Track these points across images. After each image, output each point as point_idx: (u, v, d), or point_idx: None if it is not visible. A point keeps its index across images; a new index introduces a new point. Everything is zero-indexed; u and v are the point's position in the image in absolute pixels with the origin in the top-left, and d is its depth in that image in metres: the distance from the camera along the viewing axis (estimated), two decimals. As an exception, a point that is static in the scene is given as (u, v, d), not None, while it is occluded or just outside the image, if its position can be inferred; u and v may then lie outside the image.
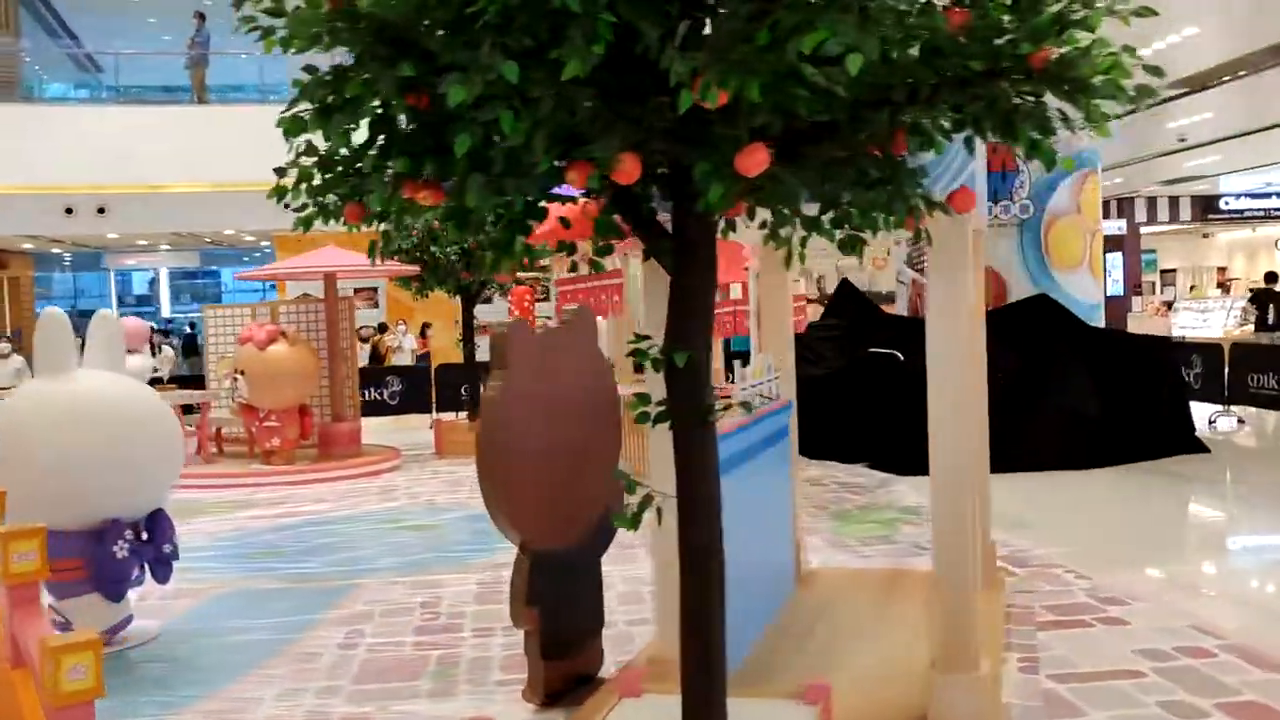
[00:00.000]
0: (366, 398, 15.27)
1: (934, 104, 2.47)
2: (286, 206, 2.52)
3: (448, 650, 5.21)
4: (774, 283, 6.01)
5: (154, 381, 11.96)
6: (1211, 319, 23.62)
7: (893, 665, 4.41)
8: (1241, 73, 9.61)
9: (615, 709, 3.48)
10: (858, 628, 5.02)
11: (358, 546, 7.81)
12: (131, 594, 5.81)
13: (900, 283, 13.60)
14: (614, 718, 3.42)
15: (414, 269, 12.58)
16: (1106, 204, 23.14)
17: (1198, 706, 4.12)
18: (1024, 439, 9.97)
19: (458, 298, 13.23)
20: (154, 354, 14.69)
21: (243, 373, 11.69)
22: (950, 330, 3.80)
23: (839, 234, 2.81)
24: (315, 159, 2.46)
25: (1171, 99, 10.91)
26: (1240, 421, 12.96)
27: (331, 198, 2.49)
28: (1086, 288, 12.47)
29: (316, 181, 2.48)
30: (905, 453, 10.08)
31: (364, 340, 19.23)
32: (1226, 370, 13.11)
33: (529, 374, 4.32)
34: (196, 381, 14.48)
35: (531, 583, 4.30)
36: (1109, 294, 23.20)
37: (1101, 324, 12.57)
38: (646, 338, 2.90)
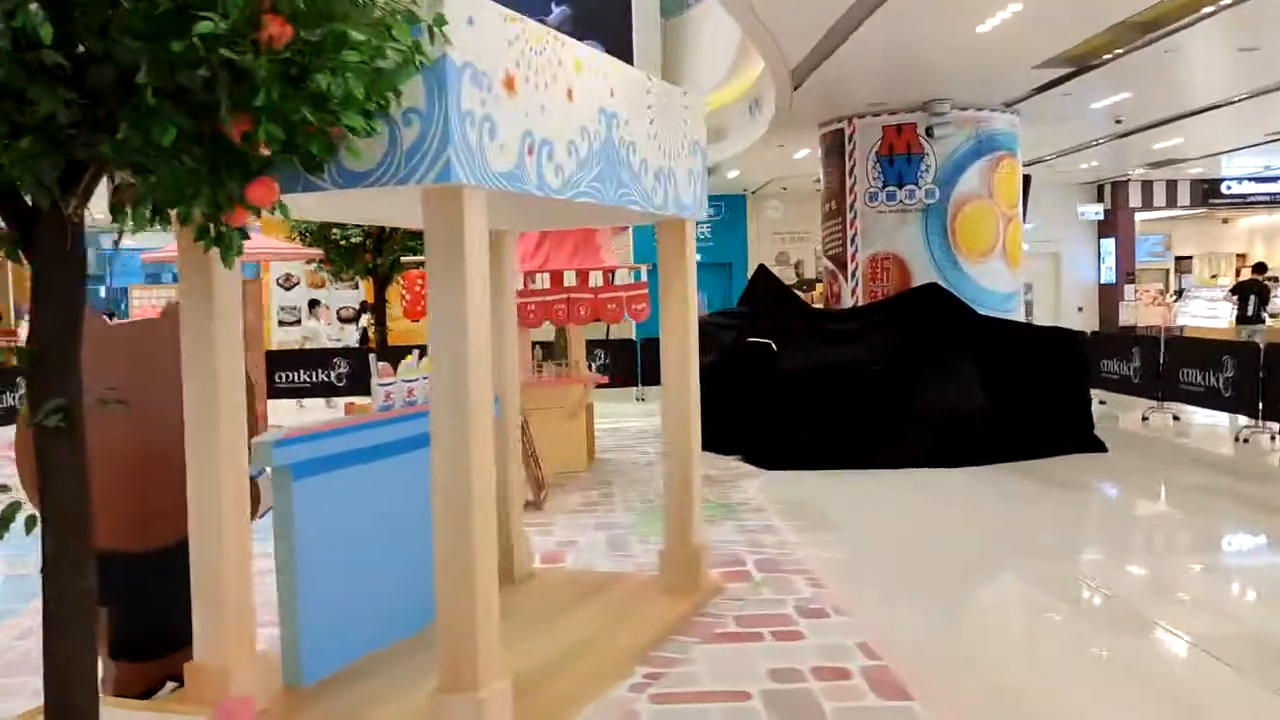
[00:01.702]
0: (311, 379, 15.14)
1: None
2: None
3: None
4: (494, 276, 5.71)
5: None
6: (1220, 308, 22.71)
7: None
8: (1117, 51, 9.03)
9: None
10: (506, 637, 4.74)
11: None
12: None
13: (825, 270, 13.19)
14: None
15: (316, 252, 12.48)
16: (1100, 189, 22.29)
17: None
18: (895, 435, 9.57)
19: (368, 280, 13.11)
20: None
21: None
22: (451, 327, 3.49)
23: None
24: None
25: (1066, 79, 10.32)
26: (1175, 418, 12.31)
27: None
28: (999, 277, 11.94)
29: None
30: (773, 446, 9.74)
31: (346, 322, 19.34)
32: (1162, 364, 12.46)
33: (91, 370, 4.10)
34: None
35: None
36: (1102, 281, 22.40)
37: (1018, 315, 12.04)
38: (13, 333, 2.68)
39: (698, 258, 20.71)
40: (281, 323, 18.96)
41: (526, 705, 3.96)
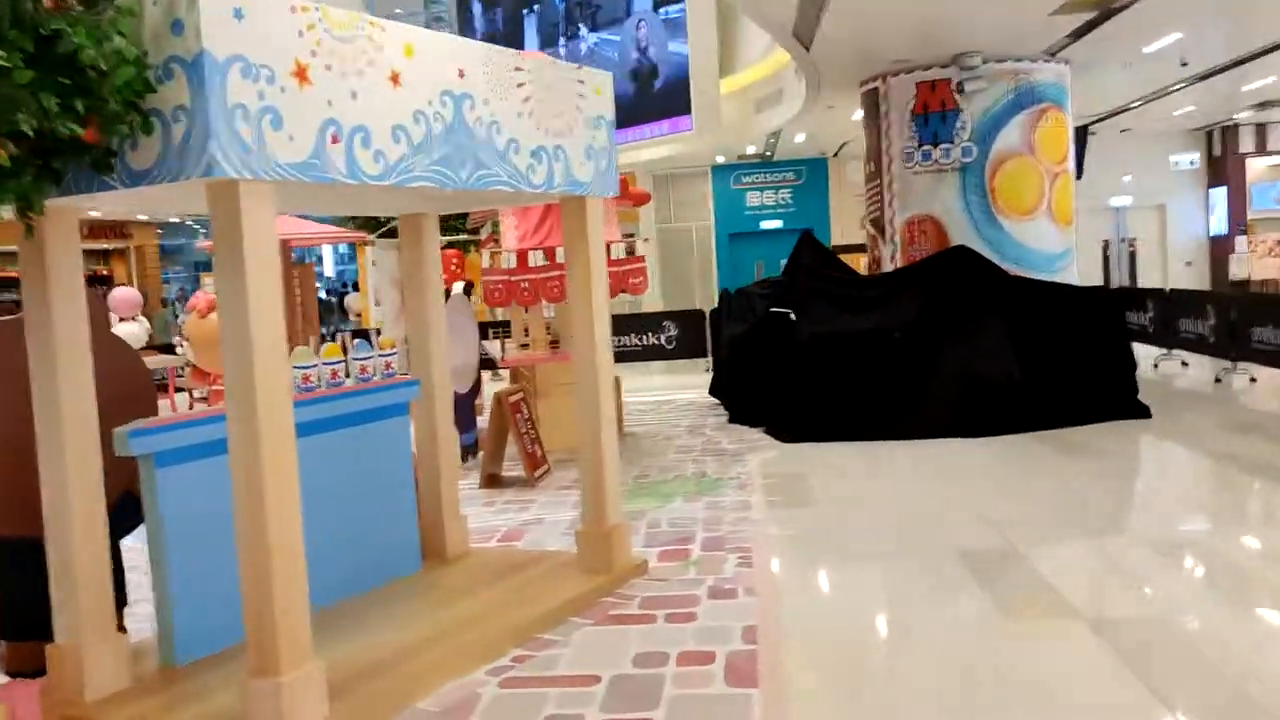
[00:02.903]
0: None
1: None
2: None
3: None
4: (413, 258, 5.76)
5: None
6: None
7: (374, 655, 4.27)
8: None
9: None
10: (410, 615, 4.81)
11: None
12: None
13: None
14: None
15: (361, 235, 12.79)
16: (1209, 135, 20.92)
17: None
18: (917, 405, 9.27)
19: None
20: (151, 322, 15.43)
21: (188, 339, 12.23)
22: (235, 316, 3.52)
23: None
24: None
25: (1093, 24, 9.69)
26: (1252, 380, 11.57)
27: None
28: (1046, 236, 11.37)
29: None
30: (791, 418, 9.55)
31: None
32: (1234, 322, 11.71)
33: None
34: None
35: (-20, 567, 4.35)
36: (1212, 234, 21.12)
37: (1070, 277, 11.45)
38: None
39: (777, 223, 20.91)
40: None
41: (376, 686, 4.03)
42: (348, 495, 5.18)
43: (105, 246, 26.53)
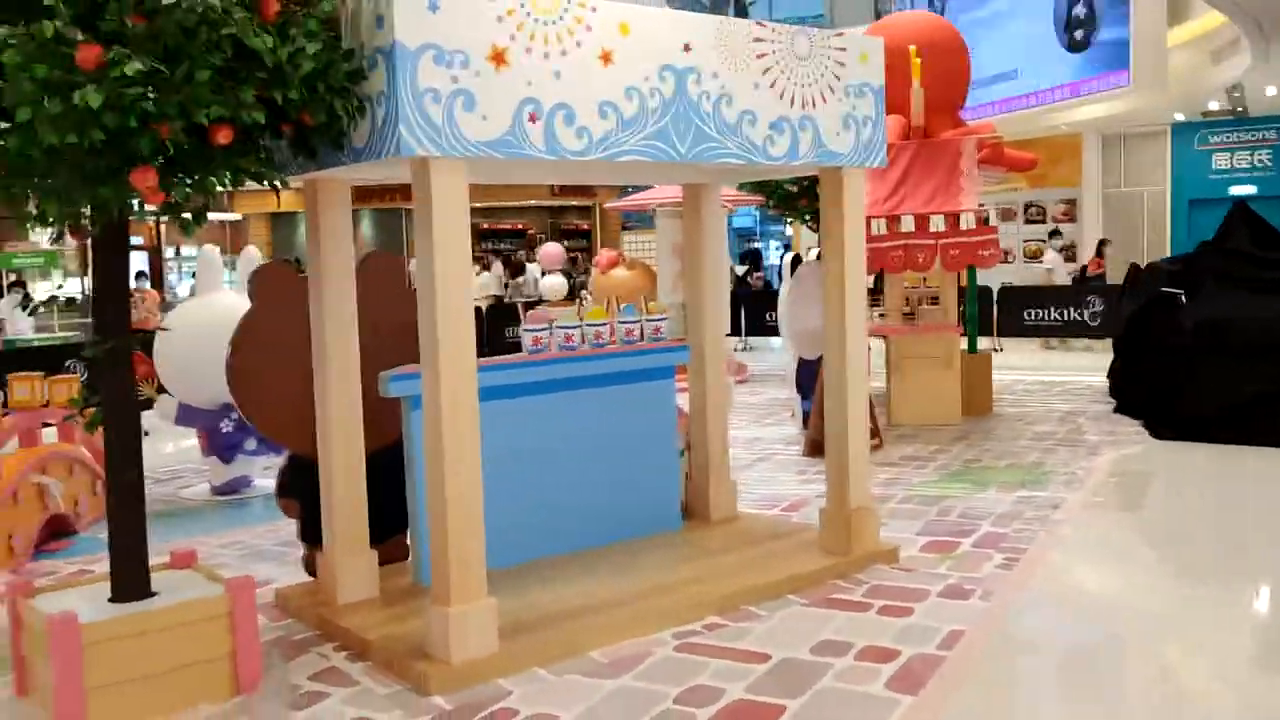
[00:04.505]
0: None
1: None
2: None
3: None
4: (693, 226, 5.94)
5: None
6: None
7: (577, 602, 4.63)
8: None
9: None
10: (635, 570, 5.05)
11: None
12: (257, 459, 7.65)
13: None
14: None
15: (758, 199, 13.07)
16: None
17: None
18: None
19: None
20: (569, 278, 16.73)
21: (590, 293, 13.31)
22: (425, 278, 3.89)
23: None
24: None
25: None
26: None
27: None
28: None
29: None
30: (1165, 412, 8.56)
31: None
32: None
33: (279, 309, 5.09)
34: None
35: (286, 480, 5.20)
36: None
37: None
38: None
39: (1251, 189, 18.81)
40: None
41: (558, 631, 4.32)
42: (606, 449, 5.50)
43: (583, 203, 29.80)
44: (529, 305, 15.43)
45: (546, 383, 5.32)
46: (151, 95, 3.13)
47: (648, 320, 5.70)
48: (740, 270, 21.39)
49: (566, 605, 4.60)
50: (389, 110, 3.74)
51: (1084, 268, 17.46)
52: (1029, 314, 15.75)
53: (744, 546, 5.45)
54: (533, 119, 4.00)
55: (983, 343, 11.03)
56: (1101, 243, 17.56)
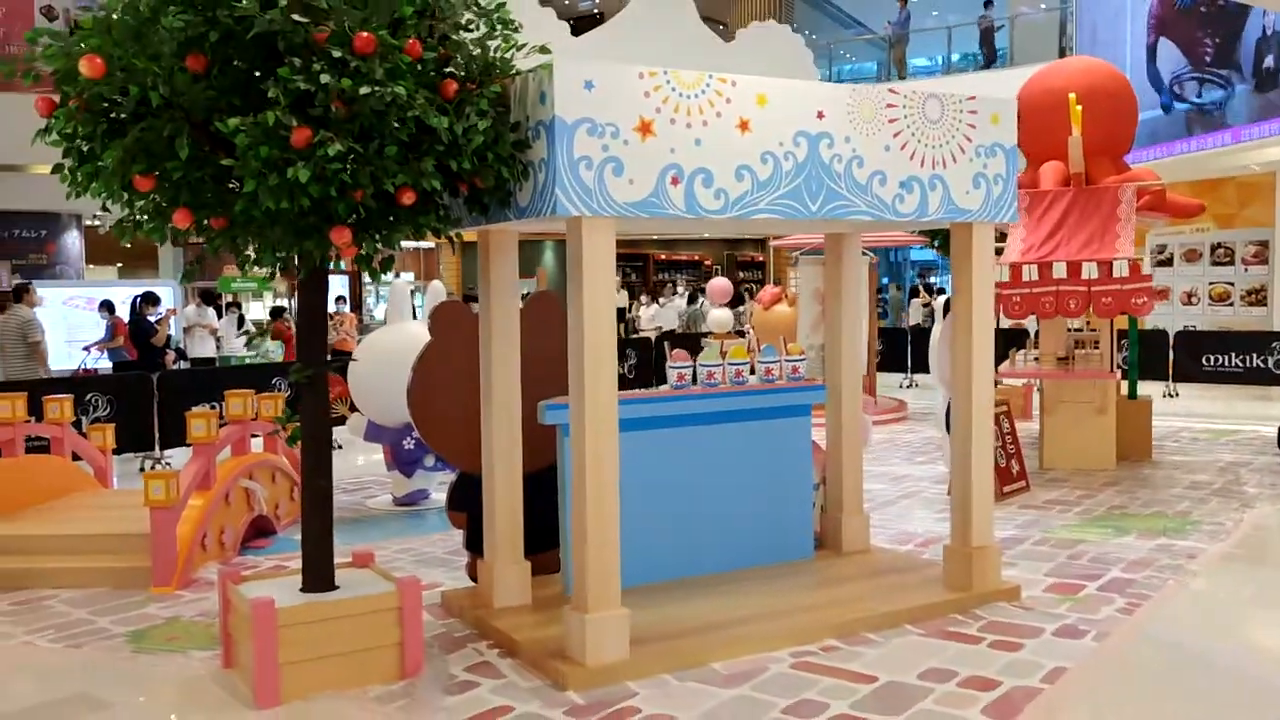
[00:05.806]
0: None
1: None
2: None
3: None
4: (834, 274, 6.31)
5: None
6: None
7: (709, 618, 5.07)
8: None
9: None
10: (766, 593, 5.45)
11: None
12: (434, 475, 8.40)
13: None
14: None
15: (923, 239, 13.23)
16: None
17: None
18: None
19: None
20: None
21: (752, 327, 13.72)
22: (576, 324, 4.42)
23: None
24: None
25: None
26: None
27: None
28: None
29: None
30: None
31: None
32: None
33: (455, 341, 5.74)
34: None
35: (455, 494, 5.83)
36: None
37: None
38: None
39: None
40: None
41: (686, 642, 4.76)
42: (744, 479, 5.91)
43: (758, 236, 30.30)
44: (701, 337, 15.95)
45: (690, 416, 5.79)
46: (349, 169, 3.78)
47: (786, 360, 6.10)
48: (921, 305, 21.27)
49: (696, 621, 5.04)
50: (548, 175, 4.30)
51: None
52: (1208, 360, 15.23)
53: (870, 577, 5.76)
54: (674, 181, 4.49)
55: (1154, 388, 10.86)
56: None
